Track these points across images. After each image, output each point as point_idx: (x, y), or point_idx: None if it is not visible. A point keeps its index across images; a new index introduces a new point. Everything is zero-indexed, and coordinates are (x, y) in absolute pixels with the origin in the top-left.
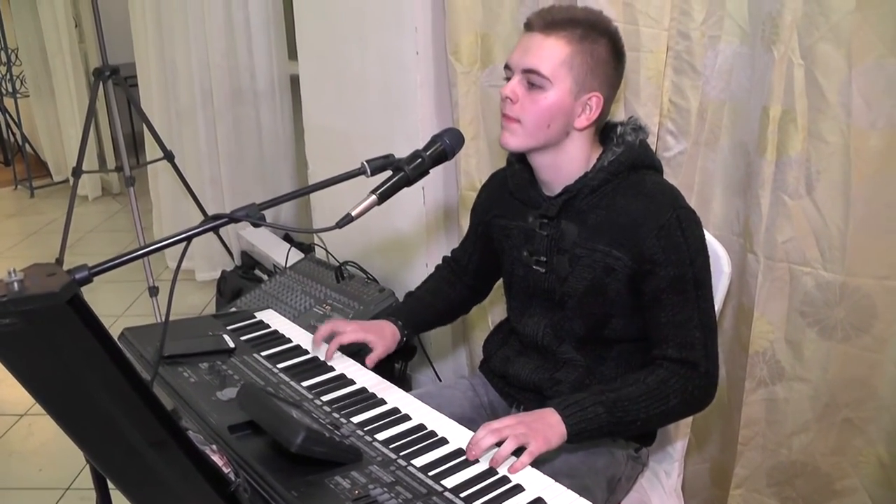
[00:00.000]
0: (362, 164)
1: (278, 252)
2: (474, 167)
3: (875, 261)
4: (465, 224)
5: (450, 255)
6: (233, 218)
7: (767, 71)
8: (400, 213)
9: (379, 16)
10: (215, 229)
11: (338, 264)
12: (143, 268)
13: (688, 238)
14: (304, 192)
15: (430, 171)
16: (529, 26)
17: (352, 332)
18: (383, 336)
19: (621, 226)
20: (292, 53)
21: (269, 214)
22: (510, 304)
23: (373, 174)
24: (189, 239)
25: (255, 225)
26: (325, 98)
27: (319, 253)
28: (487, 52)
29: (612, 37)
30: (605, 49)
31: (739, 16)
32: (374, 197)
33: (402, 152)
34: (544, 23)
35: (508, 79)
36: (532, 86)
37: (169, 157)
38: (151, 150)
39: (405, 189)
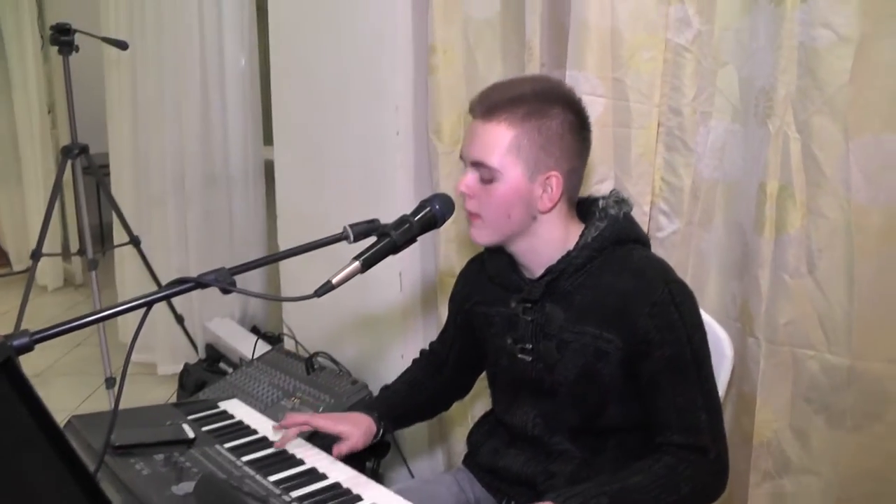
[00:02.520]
0: (344, 228)
1: (245, 344)
2: (455, 252)
3: (883, 343)
4: (445, 312)
5: (427, 347)
6: (200, 282)
7: (763, 146)
8: (375, 300)
9: (360, 95)
10: (180, 293)
11: (308, 355)
12: (101, 358)
13: (683, 314)
14: (280, 256)
15: (418, 238)
16: (472, 112)
17: (323, 420)
18: (357, 427)
19: (610, 305)
20: (267, 138)
21: (236, 301)
22: (495, 395)
23: (356, 240)
24: (150, 304)
25: (225, 291)
26: (301, 182)
27: (289, 344)
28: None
29: (565, 104)
30: (556, 121)
31: (730, 92)
32: (357, 263)
33: None
34: (484, 108)
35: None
36: (483, 178)
37: (135, 241)
38: (119, 237)
39: (381, 274)
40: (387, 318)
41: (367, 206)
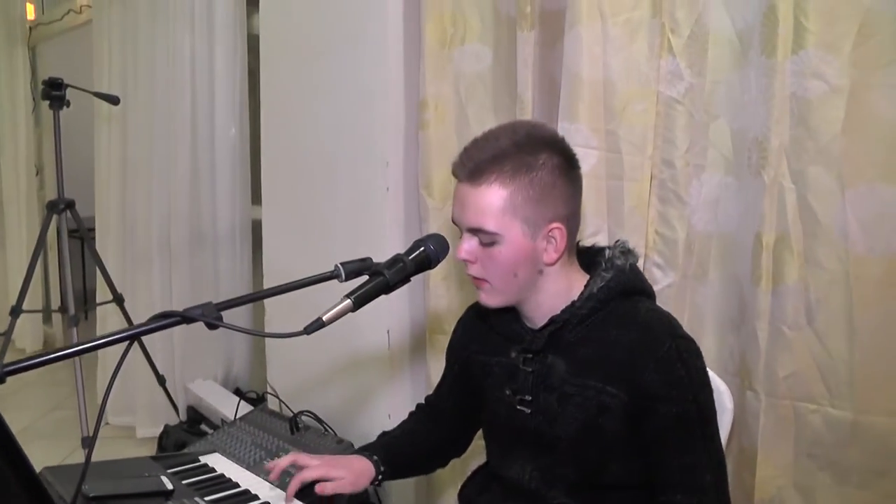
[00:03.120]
0: (336, 266)
1: (227, 405)
2: (444, 308)
3: (887, 396)
4: (434, 371)
5: (423, 401)
6: (185, 316)
7: (758, 197)
8: (362, 358)
9: (350, 152)
10: (165, 328)
11: (292, 414)
12: (78, 419)
13: (689, 370)
14: (268, 293)
15: (411, 278)
16: (456, 176)
17: (317, 467)
18: (352, 471)
19: (615, 359)
20: (255, 198)
21: (219, 363)
22: (490, 447)
23: (347, 279)
24: (133, 338)
25: (211, 326)
26: (289, 240)
27: (273, 404)
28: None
29: (549, 148)
30: (545, 170)
31: (723, 145)
32: (348, 301)
33: None
34: (469, 171)
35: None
36: (482, 242)
37: (118, 299)
38: (102, 296)
39: (368, 331)
40: (374, 376)
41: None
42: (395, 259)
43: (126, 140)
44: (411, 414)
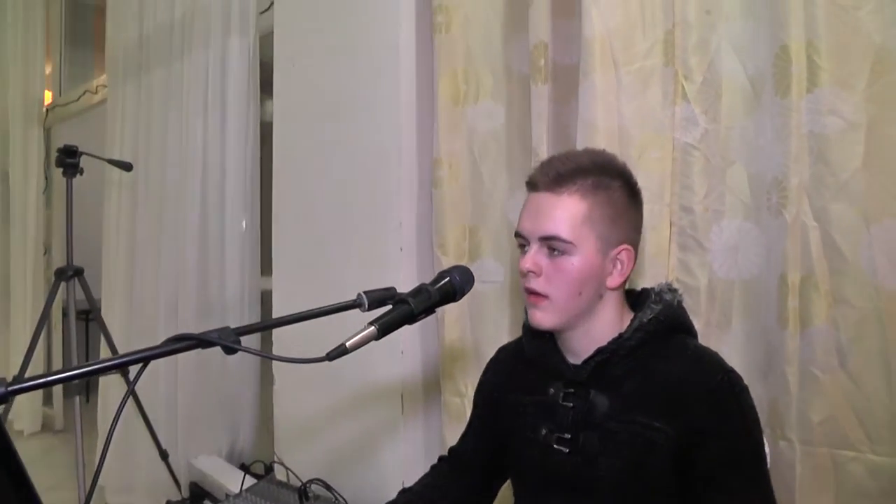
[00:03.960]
0: (359, 295)
1: (233, 481)
2: (459, 371)
3: None
4: (450, 436)
5: (447, 452)
6: (203, 339)
7: (781, 237)
8: (374, 423)
9: (363, 213)
10: (181, 351)
11: (301, 484)
12: (77, 491)
13: (741, 406)
14: (287, 320)
15: (436, 310)
16: (534, 186)
17: None
18: None
19: (663, 392)
20: (265, 269)
21: (224, 437)
22: (519, 493)
23: (370, 308)
24: (146, 360)
25: (229, 350)
26: (300, 306)
27: (281, 474)
28: (476, 247)
29: (625, 177)
30: (621, 193)
31: (741, 191)
32: (372, 328)
33: (380, 361)
34: (550, 179)
35: (522, 247)
36: (553, 252)
37: (123, 371)
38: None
39: (381, 396)
40: (387, 442)
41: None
42: (420, 289)
43: (136, 212)
44: (433, 467)
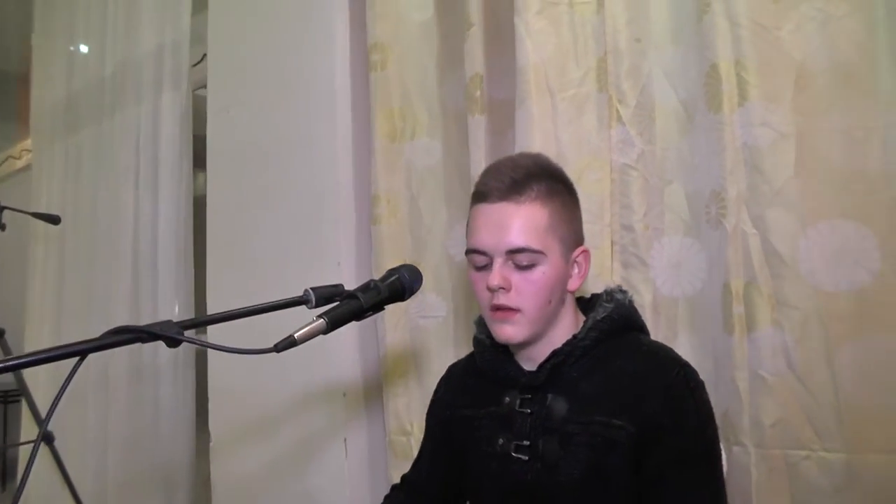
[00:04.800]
0: (305, 291)
1: None
2: (403, 408)
3: (878, 433)
4: (397, 476)
5: (399, 480)
6: (147, 332)
7: (722, 247)
8: (316, 470)
9: (301, 256)
10: (123, 344)
11: None
12: None
13: (697, 401)
14: (235, 314)
15: (385, 307)
16: (485, 196)
17: None
18: None
19: (620, 389)
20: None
21: (159, 492)
22: None
23: (317, 305)
24: (84, 353)
25: (172, 343)
26: (238, 369)
27: None
28: None
29: (565, 178)
30: (568, 195)
31: (680, 208)
32: (321, 321)
33: (321, 404)
34: (506, 187)
35: (480, 267)
36: (521, 264)
37: (48, 438)
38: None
39: (323, 443)
40: (330, 488)
41: (308, 370)
42: (368, 285)
43: (63, 264)
44: (386, 497)
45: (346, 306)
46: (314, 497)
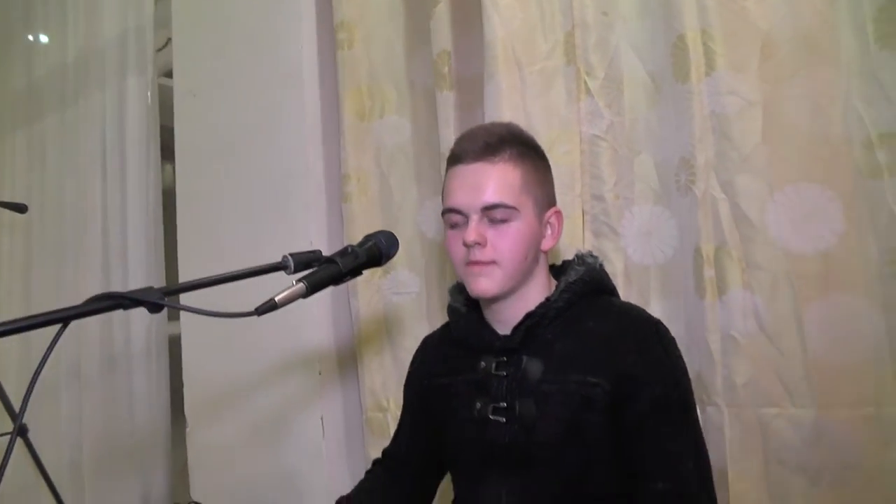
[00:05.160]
0: (284, 257)
1: None
2: (379, 385)
3: (844, 389)
4: (374, 453)
5: (381, 455)
6: (127, 298)
7: (693, 212)
8: (293, 450)
9: (272, 236)
10: (105, 311)
11: None
12: None
13: (670, 354)
14: (215, 280)
15: (363, 272)
16: (460, 158)
17: None
18: None
19: (594, 347)
20: (172, 313)
21: (134, 494)
22: (458, 481)
23: (296, 270)
24: (66, 321)
25: (154, 308)
26: (210, 358)
27: None
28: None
29: (536, 144)
30: (540, 159)
31: (649, 178)
32: (301, 285)
33: (297, 383)
34: (480, 148)
35: (454, 225)
36: (496, 220)
37: (21, 430)
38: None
39: (300, 421)
40: (307, 466)
41: (282, 354)
42: (346, 250)
43: (30, 265)
44: (368, 472)
45: (324, 271)
46: (293, 476)
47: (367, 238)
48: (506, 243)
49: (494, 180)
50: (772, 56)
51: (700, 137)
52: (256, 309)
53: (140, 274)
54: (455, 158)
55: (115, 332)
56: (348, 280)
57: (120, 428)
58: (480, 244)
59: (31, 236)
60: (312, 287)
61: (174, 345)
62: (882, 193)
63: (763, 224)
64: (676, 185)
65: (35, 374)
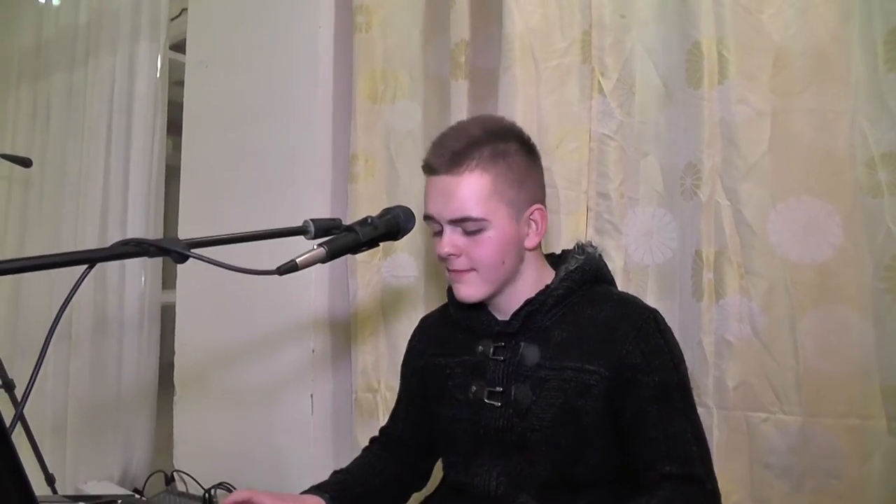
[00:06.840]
0: (305, 222)
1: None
2: (371, 366)
3: (832, 398)
4: (362, 434)
5: (378, 433)
6: (154, 246)
7: (696, 216)
8: (281, 426)
9: (276, 213)
10: (131, 256)
11: (203, 490)
12: None
13: (668, 341)
14: (234, 238)
15: (380, 244)
16: (432, 170)
17: (269, 499)
18: None
19: (593, 336)
20: (167, 282)
21: (117, 461)
22: (449, 459)
23: (316, 236)
24: (93, 262)
25: (179, 258)
26: (204, 341)
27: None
28: (390, 242)
29: (519, 137)
30: (520, 155)
31: (654, 180)
32: (322, 249)
33: (290, 358)
34: (447, 160)
35: (437, 233)
36: (468, 231)
37: (8, 385)
38: None
39: (290, 396)
40: (295, 444)
41: (277, 332)
42: (365, 220)
43: (26, 221)
44: (365, 449)
45: (344, 238)
46: (278, 452)
47: (386, 211)
48: (480, 252)
49: (460, 192)
50: (783, 69)
51: (708, 143)
52: (278, 268)
53: (139, 214)
54: (427, 169)
55: (109, 296)
56: (364, 250)
57: (106, 392)
58: (455, 255)
59: (30, 192)
60: (332, 253)
61: (166, 314)
62: (881, 211)
63: (764, 232)
64: (681, 189)
65: (56, 318)
